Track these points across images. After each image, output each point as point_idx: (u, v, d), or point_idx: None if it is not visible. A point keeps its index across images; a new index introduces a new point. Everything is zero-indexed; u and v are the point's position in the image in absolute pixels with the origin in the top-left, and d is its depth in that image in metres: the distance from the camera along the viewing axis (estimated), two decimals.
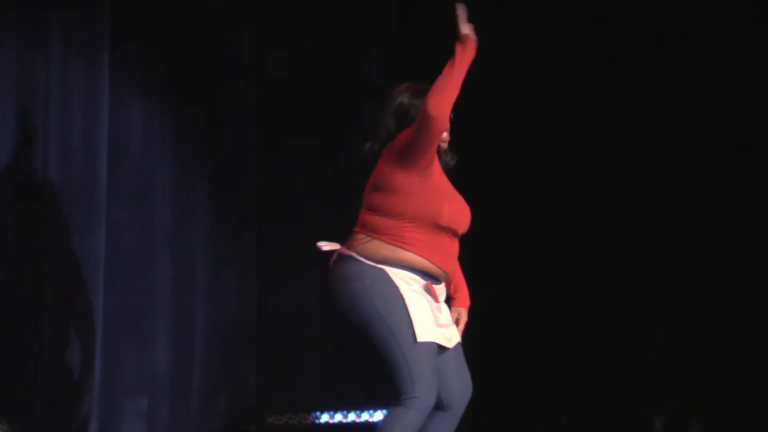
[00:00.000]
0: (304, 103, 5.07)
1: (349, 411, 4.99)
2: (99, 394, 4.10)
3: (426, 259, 2.67)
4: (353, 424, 4.96)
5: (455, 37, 2.58)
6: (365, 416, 4.95)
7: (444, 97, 2.57)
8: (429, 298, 2.69)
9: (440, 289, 2.77)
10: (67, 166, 4.10)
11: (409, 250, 2.65)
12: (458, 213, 2.75)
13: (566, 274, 5.08)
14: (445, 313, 2.77)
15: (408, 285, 2.64)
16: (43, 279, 3.98)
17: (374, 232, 2.68)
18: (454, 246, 2.77)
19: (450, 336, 2.74)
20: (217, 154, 4.76)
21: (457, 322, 2.84)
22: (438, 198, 2.70)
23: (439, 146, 2.77)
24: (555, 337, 5.06)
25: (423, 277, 2.69)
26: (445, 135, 2.78)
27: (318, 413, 4.96)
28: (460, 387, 2.78)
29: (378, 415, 4.80)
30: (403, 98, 2.76)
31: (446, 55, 2.58)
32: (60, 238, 4.04)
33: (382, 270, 2.63)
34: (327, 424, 4.94)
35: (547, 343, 5.07)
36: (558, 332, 5.06)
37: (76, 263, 4.09)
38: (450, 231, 2.72)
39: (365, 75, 5.15)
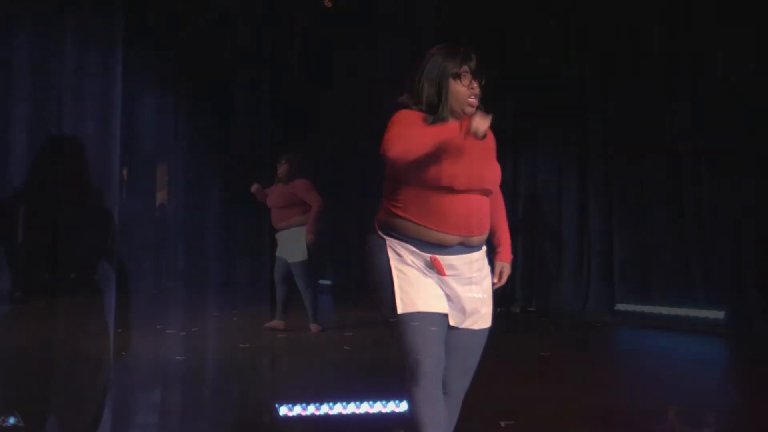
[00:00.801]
0: (319, 95, 5.07)
1: (362, 401, 4.99)
2: (112, 386, 4.12)
3: (417, 224, 2.61)
4: (366, 414, 4.95)
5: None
6: (378, 407, 4.94)
7: (407, 152, 2.49)
8: (430, 272, 2.62)
9: (463, 259, 2.66)
10: (81, 155, 4.11)
11: (400, 215, 2.62)
12: (458, 171, 2.60)
13: (579, 267, 5.06)
14: (471, 290, 2.68)
15: (399, 257, 2.61)
16: (56, 267, 4.00)
17: (384, 198, 2.72)
18: (467, 204, 2.64)
19: (463, 319, 2.67)
20: (230, 144, 4.77)
21: (500, 276, 2.84)
22: (439, 157, 2.60)
23: (464, 111, 2.69)
24: (570, 329, 5.05)
25: (423, 249, 2.62)
26: (473, 100, 2.70)
27: (331, 403, 4.96)
28: (459, 373, 2.73)
29: (390, 406, 4.79)
30: (434, 58, 2.73)
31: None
32: (73, 227, 4.05)
33: (382, 240, 2.65)
34: (340, 414, 4.93)
35: (562, 334, 5.07)
36: (573, 322, 5.05)
37: (89, 252, 4.10)
38: (450, 190, 2.60)
39: (381, 68, 5.13)
